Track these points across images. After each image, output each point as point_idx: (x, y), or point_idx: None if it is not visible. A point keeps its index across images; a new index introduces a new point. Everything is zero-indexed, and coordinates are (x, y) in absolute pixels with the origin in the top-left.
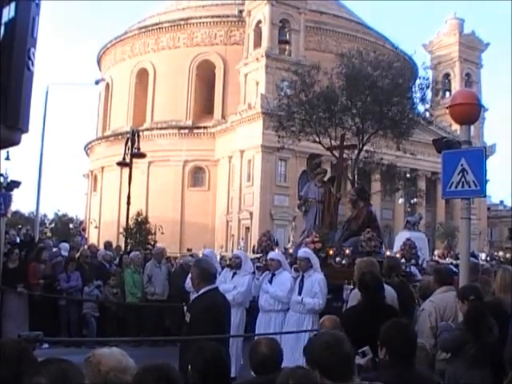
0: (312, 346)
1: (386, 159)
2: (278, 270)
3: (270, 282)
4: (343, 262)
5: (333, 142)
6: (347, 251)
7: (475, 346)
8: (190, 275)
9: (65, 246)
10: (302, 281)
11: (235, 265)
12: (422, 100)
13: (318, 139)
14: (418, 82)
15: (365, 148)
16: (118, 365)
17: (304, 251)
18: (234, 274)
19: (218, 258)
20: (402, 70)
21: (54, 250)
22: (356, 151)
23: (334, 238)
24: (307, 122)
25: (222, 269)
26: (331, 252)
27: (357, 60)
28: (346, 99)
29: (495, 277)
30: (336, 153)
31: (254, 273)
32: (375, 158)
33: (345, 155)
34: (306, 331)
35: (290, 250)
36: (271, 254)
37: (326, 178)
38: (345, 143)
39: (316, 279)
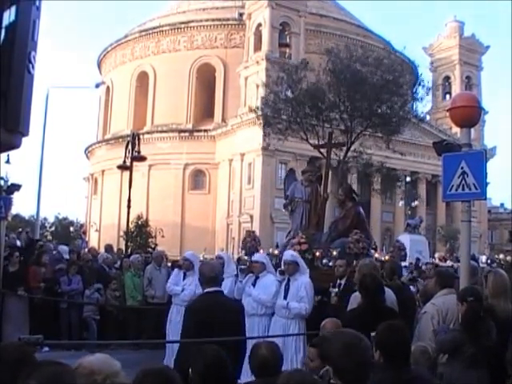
0: (330, 345)
1: (382, 161)
2: (262, 273)
3: (254, 284)
4: (330, 264)
5: (321, 141)
6: (334, 253)
7: (472, 347)
8: (170, 279)
9: (64, 248)
10: (287, 284)
11: None
12: (414, 98)
13: (305, 137)
14: (408, 78)
15: (359, 149)
16: (110, 369)
17: (291, 254)
18: None
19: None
20: (392, 66)
21: (54, 252)
22: (345, 150)
23: (321, 239)
24: (294, 119)
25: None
26: (318, 254)
27: (344, 55)
28: (333, 96)
29: (486, 281)
30: (324, 151)
31: (237, 275)
32: (366, 158)
33: (337, 156)
34: (291, 335)
35: (276, 252)
36: (255, 256)
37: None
38: (333, 141)
39: (302, 283)
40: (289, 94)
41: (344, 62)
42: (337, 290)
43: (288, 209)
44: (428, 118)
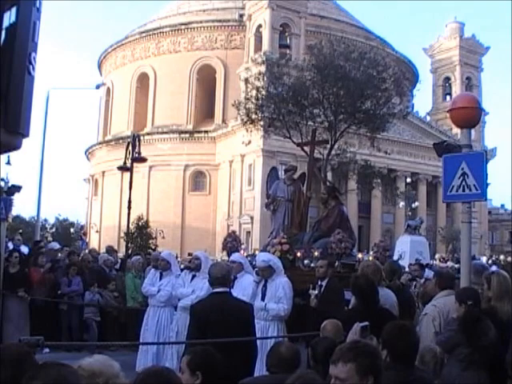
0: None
1: (366, 158)
2: (239, 273)
3: (232, 285)
4: (312, 264)
5: (305, 139)
6: (316, 253)
7: (468, 348)
8: (146, 279)
9: (54, 245)
10: (265, 285)
11: (194, 266)
12: (398, 93)
13: (288, 135)
14: (392, 72)
15: (342, 147)
16: (111, 371)
17: (262, 260)
18: (194, 276)
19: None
20: (375, 61)
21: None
22: (329, 148)
23: (303, 239)
24: (277, 115)
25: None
26: (299, 254)
27: (328, 50)
28: (317, 92)
29: (489, 282)
30: (308, 149)
31: None
32: (349, 156)
33: (322, 155)
34: (271, 337)
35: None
36: (233, 256)
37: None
38: (316, 139)
39: (280, 283)
40: (271, 90)
41: (327, 57)
42: (316, 292)
43: (270, 208)
44: (428, 118)
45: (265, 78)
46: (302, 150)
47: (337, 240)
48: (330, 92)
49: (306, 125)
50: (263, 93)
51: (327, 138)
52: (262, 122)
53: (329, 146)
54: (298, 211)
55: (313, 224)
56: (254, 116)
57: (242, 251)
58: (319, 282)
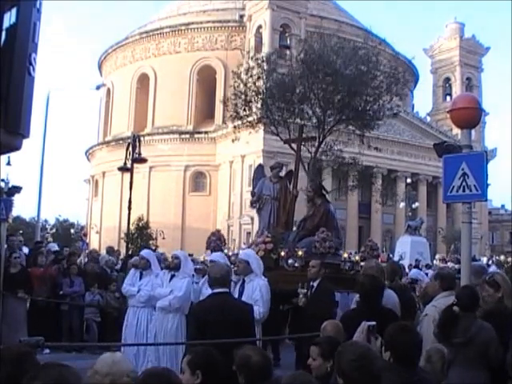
0: (342, 355)
1: (356, 157)
2: None
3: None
4: (296, 264)
5: (292, 135)
6: (300, 253)
7: (446, 346)
8: (126, 279)
9: (53, 246)
10: (242, 285)
11: (173, 266)
12: (389, 90)
13: (276, 131)
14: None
15: (329, 143)
16: (117, 369)
17: (244, 253)
18: (173, 276)
19: None
20: (367, 57)
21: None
22: (317, 145)
23: (288, 238)
24: (264, 112)
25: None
26: (283, 253)
27: (318, 45)
28: (304, 87)
29: (494, 284)
30: (295, 146)
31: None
32: (336, 153)
33: (310, 152)
34: (270, 338)
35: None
36: (212, 256)
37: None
38: (304, 135)
39: (257, 285)
40: (260, 85)
41: (317, 52)
42: (305, 291)
43: (255, 206)
44: (428, 119)
45: (253, 73)
46: (290, 147)
47: (321, 239)
48: (319, 87)
49: (293, 122)
50: (252, 88)
51: (316, 135)
52: (250, 118)
53: (317, 143)
54: (284, 209)
55: (298, 222)
56: (242, 113)
57: (226, 250)
58: (311, 283)
